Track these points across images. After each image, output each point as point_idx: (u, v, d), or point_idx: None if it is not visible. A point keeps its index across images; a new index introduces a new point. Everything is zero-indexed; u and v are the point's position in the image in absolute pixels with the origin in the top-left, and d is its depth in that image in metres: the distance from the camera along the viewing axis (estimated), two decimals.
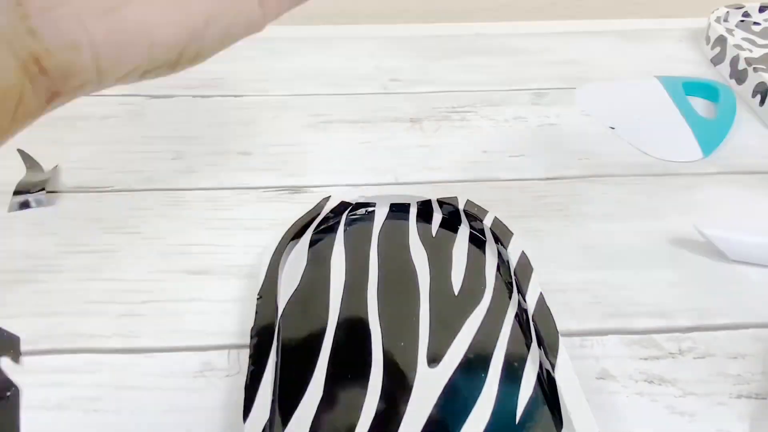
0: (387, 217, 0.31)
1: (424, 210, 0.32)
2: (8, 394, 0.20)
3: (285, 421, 0.22)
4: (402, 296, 0.27)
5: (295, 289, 0.27)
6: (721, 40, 0.47)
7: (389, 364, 0.24)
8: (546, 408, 0.23)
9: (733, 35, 0.49)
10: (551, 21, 0.55)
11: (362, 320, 0.26)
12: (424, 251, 0.29)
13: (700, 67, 0.49)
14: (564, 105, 0.44)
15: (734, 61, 0.46)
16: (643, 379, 0.26)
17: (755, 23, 0.51)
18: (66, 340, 0.27)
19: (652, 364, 0.27)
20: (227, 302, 0.29)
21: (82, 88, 0.19)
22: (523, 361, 0.25)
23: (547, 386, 0.24)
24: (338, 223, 0.31)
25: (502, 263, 0.29)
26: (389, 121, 0.42)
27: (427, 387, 0.24)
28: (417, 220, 0.31)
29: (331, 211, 0.31)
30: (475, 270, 0.29)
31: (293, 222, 0.30)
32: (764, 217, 0.34)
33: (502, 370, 0.24)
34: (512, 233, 0.29)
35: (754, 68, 0.44)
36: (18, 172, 0.36)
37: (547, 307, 0.26)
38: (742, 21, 0.51)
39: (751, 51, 0.46)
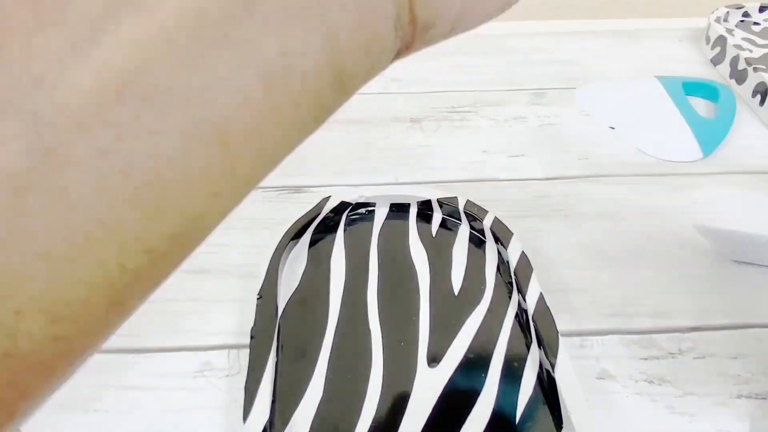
0: (387, 217, 0.31)
1: (424, 210, 0.32)
2: None
3: (285, 421, 0.22)
4: (402, 296, 0.27)
5: (295, 289, 0.27)
6: (721, 40, 0.47)
7: (389, 364, 0.24)
8: (546, 408, 0.23)
9: (733, 35, 0.49)
10: (551, 21, 0.55)
11: (362, 320, 0.26)
12: (424, 251, 0.29)
13: (700, 67, 0.49)
14: (564, 105, 0.44)
15: (734, 61, 0.46)
16: (643, 379, 0.26)
17: (755, 23, 0.51)
18: None
19: (652, 364, 0.27)
20: (227, 302, 0.29)
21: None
22: (523, 361, 0.25)
23: (547, 386, 0.24)
24: (338, 223, 0.31)
25: (502, 263, 0.29)
26: (389, 121, 0.42)
27: (427, 387, 0.24)
28: (417, 220, 0.31)
29: (331, 211, 0.31)
30: (475, 270, 0.29)
31: (293, 222, 0.30)
32: (764, 217, 0.34)
33: (502, 370, 0.24)
34: (512, 233, 0.29)
35: (754, 68, 0.44)
36: None
37: (547, 307, 0.26)
38: (742, 21, 0.51)
39: (751, 51, 0.46)
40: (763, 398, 0.25)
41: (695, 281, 0.30)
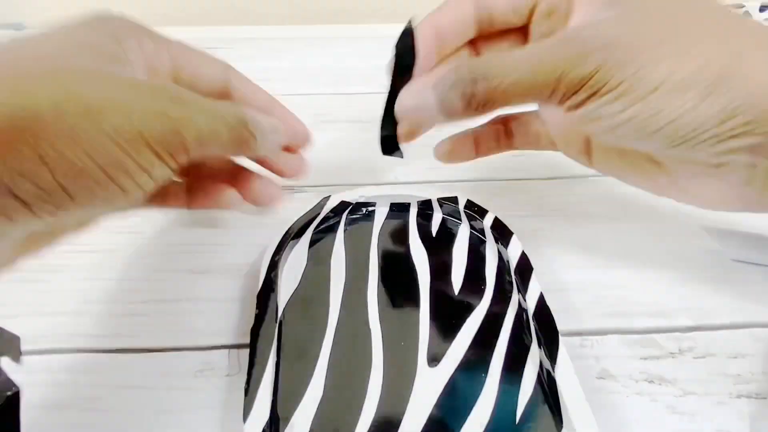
0: (387, 217, 0.31)
1: (424, 210, 0.32)
2: (8, 394, 0.20)
3: (285, 421, 0.22)
4: (402, 296, 0.27)
5: (295, 289, 0.27)
6: None
7: (389, 364, 0.24)
8: (546, 408, 0.23)
9: None
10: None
11: (362, 320, 0.26)
12: (425, 251, 0.29)
13: None
14: None
15: None
16: (643, 378, 0.26)
17: None
18: (66, 340, 0.27)
19: (652, 364, 0.27)
20: (227, 302, 0.29)
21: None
22: (523, 361, 0.25)
23: (547, 386, 0.24)
24: (338, 222, 0.31)
25: (502, 263, 0.29)
26: None
27: (428, 387, 0.24)
28: (417, 220, 0.31)
29: (331, 210, 0.31)
30: (475, 270, 0.29)
31: (293, 221, 0.30)
32: (764, 217, 0.34)
33: (502, 370, 0.24)
34: (512, 233, 0.29)
35: None
36: None
37: (547, 307, 0.26)
38: None
39: None
40: (763, 398, 0.25)
41: (695, 281, 0.30)
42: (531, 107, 0.29)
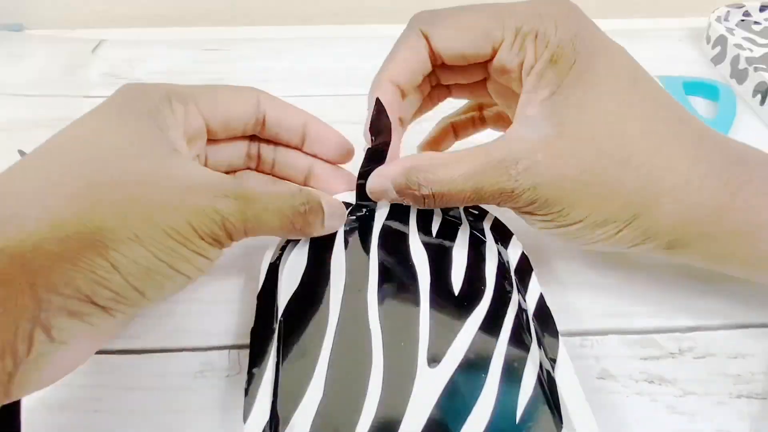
0: (387, 217, 0.31)
1: (425, 210, 0.32)
2: None
3: (285, 421, 0.22)
4: (402, 296, 0.27)
5: (295, 290, 0.27)
6: (721, 40, 0.47)
7: (389, 364, 0.24)
8: (546, 408, 0.23)
9: (733, 35, 0.49)
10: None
11: (362, 320, 0.26)
12: (425, 251, 0.29)
13: (700, 67, 0.49)
14: None
15: (735, 60, 0.46)
16: (643, 378, 0.26)
17: (756, 23, 0.51)
18: None
19: (652, 364, 0.27)
20: (227, 302, 0.29)
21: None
22: (523, 361, 0.25)
23: (547, 386, 0.24)
24: None
25: (502, 263, 0.29)
26: None
27: (427, 387, 0.24)
28: (417, 221, 0.31)
29: None
30: (475, 270, 0.29)
31: None
32: None
33: (502, 370, 0.24)
34: (512, 234, 0.29)
35: (755, 68, 0.44)
36: None
37: (547, 307, 0.26)
38: (743, 20, 0.51)
39: (751, 50, 0.46)
40: (763, 398, 0.25)
41: (695, 281, 0.30)
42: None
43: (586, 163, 0.24)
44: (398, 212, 0.31)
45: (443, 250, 0.29)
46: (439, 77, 0.30)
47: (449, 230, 0.31)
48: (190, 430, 0.24)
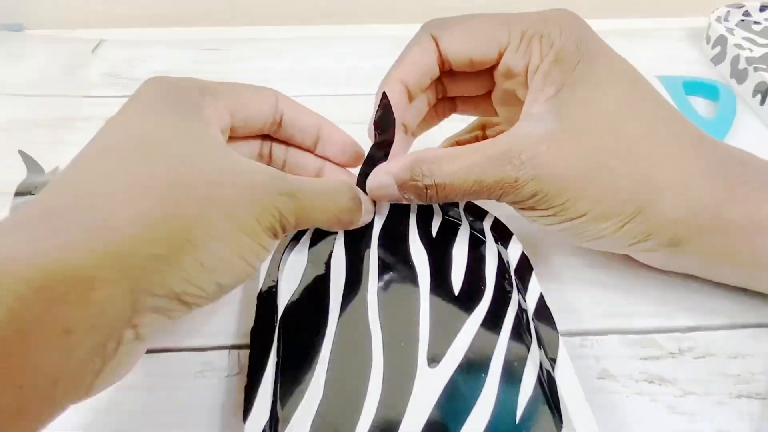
0: (387, 217, 0.31)
1: (425, 210, 0.32)
2: None
3: (285, 421, 0.22)
4: (402, 296, 0.27)
5: (296, 290, 0.27)
6: (721, 40, 0.47)
7: (389, 365, 0.24)
8: (546, 408, 0.23)
9: (733, 35, 0.49)
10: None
11: (362, 320, 0.26)
12: (425, 251, 0.29)
13: (700, 67, 0.49)
14: None
15: (735, 60, 0.46)
16: (643, 378, 0.26)
17: (756, 23, 0.51)
18: None
19: (652, 364, 0.27)
20: (227, 302, 0.29)
21: None
22: (523, 361, 0.25)
23: (547, 386, 0.24)
24: None
25: (502, 263, 0.29)
26: None
27: (427, 387, 0.24)
28: (417, 220, 0.31)
29: None
30: (475, 270, 0.29)
31: None
32: None
33: (502, 371, 0.24)
34: (512, 234, 0.29)
35: (755, 68, 0.44)
36: (19, 174, 0.36)
37: (547, 307, 0.26)
38: (743, 20, 0.51)
39: (751, 50, 0.46)
40: (763, 398, 0.25)
41: (695, 281, 0.30)
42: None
43: (589, 156, 0.24)
44: (398, 212, 0.31)
45: (443, 250, 0.29)
46: (446, 87, 0.31)
47: (449, 230, 0.31)
48: (190, 430, 0.24)
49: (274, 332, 0.25)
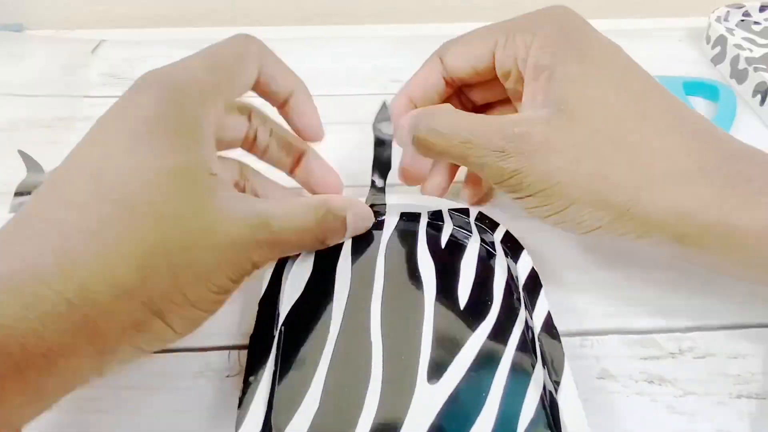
0: (396, 226, 0.31)
1: (435, 221, 0.31)
2: None
3: None
4: (406, 308, 0.27)
5: (299, 297, 0.27)
6: (721, 40, 0.47)
7: (388, 379, 0.24)
8: (547, 431, 0.22)
9: (733, 35, 0.49)
10: None
11: (364, 331, 0.26)
12: (432, 263, 0.29)
13: (700, 67, 0.49)
14: None
15: (734, 60, 0.46)
16: (643, 378, 0.26)
17: (756, 23, 0.51)
18: None
19: (652, 364, 0.27)
20: (228, 303, 0.29)
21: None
22: (526, 381, 0.24)
23: (549, 409, 0.23)
24: None
25: (511, 278, 0.28)
26: None
27: (426, 403, 0.23)
28: (426, 231, 0.31)
29: None
30: (482, 284, 0.28)
31: None
32: None
33: (504, 390, 0.24)
34: (523, 248, 0.28)
35: (755, 68, 0.44)
36: (19, 173, 0.36)
37: (555, 326, 0.25)
38: (743, 20, 0.51)
39: (751, 51, 0.46)
40: (763, 398, 0.25)
41: (695, 281, 0.30)
42: None
43: (581, 140, 0.24)
44: (408, 222, 0.31)
45: (451, 262, 0.29)
46: (470, 97, 0.32)
47: (458, 242, 0.30)
48: (190, 430, 0.24)
49: (274, 340, 0.24)
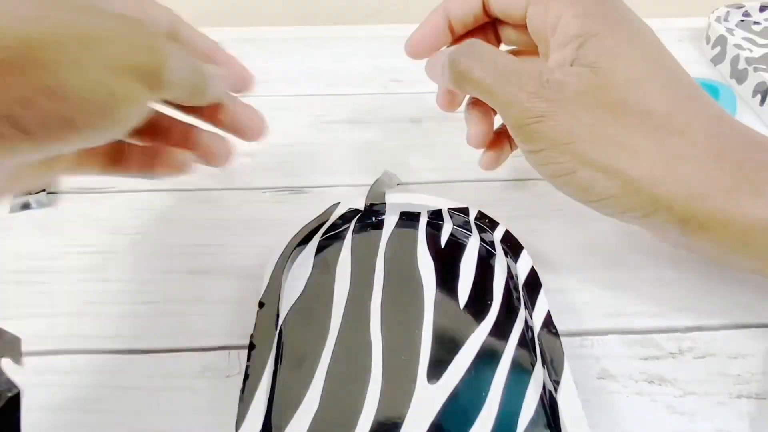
0: (396, 226, 0.31)
1: (434, 220, 0.31)
2: (9, 395, 0.20)
3: None
4: (406, 308, 0.27)
5: (299, 297, 0.27)
6: (721, 40, 0.47)
7: (388, 379, 0.24)
8: (547, 431, 0.22)
9: (733, 35, 0.49)
10: None
11: (363, 331, 0.26)
12: (432, 262, 0.29)
13: (700, 67, 0.49)
14: None
15: (734, 60, 0.46)
16: (643, 378, 0.26)
17: (755, 23, 0.51)
18: (66, 341, 0.27)
19: (652, 364, 0.27)
20: (228, 303, 0.29)
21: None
22: (526, 381, 0.24)
23: (548, 408, 0.23)
24: (346, 230, 0.31)
25: (511, 278, 0.28)
26: (389, 121, 0.42)
27: (426, 404, 0.23)
28: (426, 231, 0.31)
29: (340, 217, 0.31)
30: (482, 284, 0.28)
31: (300, 227, 0.30)
32: None
33: (504, 390, 0.24)
34: (523, 247, 0.29)
35: (755, 68, 0.44)
36: None
37: (554, 325, 0.25)
38: (743, 20, 0.51)
39: (751, 51, 0.46)
40: (763, 398, 0.25)
41: (695, 281, 0.30)
42: None
43: (609, 103, 0.24)
44: (407, 222, 0.31)
45: (451, 261, 0.29)
46: (501, 34, 0.32)
47: (458, 241, 0.30)
48: (190, 430, 0.24)
49: (274, 340, 0.24)
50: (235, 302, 0.29)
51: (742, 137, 0.25)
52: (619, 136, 0.23)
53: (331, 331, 0.25)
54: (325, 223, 0.30)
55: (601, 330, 0.28)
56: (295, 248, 0.29)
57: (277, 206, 0.35)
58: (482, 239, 0.30)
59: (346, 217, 0.31)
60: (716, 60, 0.48)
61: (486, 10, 0.30)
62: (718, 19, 0.50)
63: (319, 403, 0.23)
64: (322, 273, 0.28)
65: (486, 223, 0.30)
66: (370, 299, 0.27)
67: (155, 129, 0.27)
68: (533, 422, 0.23)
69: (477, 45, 0.27)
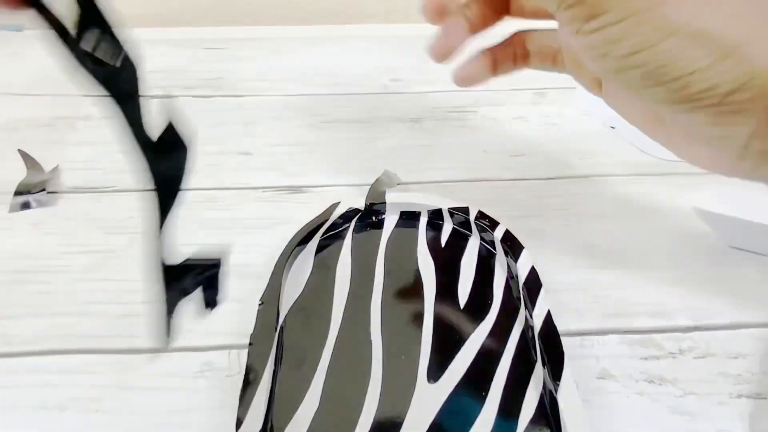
0: (396, 226, 0.31)
1: (435, 220, 0.31)
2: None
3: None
4: (406, 308, 0.27)
5: (299, 296, 0.27)
6: None
7: (388, 379, 0.24)
8: (548, 431, 0.22)
9: None
10: (552, 20, 0.55)
11: (364, 331, 0.26)
12: (432, 262, 0.29)
13: None
14: (564, 105, 0.44)
15: None
16: (643, 378, 0.26)
17: None
18: (66, 341, 0.27)
19: (652, 364, 0.27)
20: (228, 302, 0.29)
21: None
22: (526, 381, 0.24)
23: (549, 408, 0.23)
24: (346, 230, 0.31)
25: (512, 278, 0.28)
26: (389, 121, 0.42)
27: (426, 404, 0.23)
28: (426, 230, 0.30)
29: (340, 217, 0.31)
30: (482, 283, 0.28)
31: (301, 227, 0.30)
32: (763, 205, 0.34)
33: (504, 390, 0.24)
34: (523, 247, 0.28)
35: None
36: (19, 173, 0.36)
37: (554, 325, 0.25)
38: None
39: None
40: (763, 398, 0.25)
41: (695, 281, 0.30)
42: (547, 24, 0.28)
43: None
44: (407, 221, 0.31)
45: (452, 261, 0.29)
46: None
47: (458, 241, 0.30)
48: (190, 430, 0.24)
49: (274, 340, 0.24)
50: (235, 302, 0.29)
51: None
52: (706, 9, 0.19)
53: (331, 331, 0.25)
54: (325, 222, 0.30)
55: (601, 330, 0.28)
56: (295, 248, 0.29)
57: (276, 206, 0.35)
58: (482, 239, 0.30)
59: (346, 217, 0.31)
60: None
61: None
62: None
63: (319, 403, 0.23)
64: (322, 273, 0.28)
65: (486, 222, 0.30)
66: (370, 299, 0.27)
67: None
68: (533, 422, 0.23)
69: None
